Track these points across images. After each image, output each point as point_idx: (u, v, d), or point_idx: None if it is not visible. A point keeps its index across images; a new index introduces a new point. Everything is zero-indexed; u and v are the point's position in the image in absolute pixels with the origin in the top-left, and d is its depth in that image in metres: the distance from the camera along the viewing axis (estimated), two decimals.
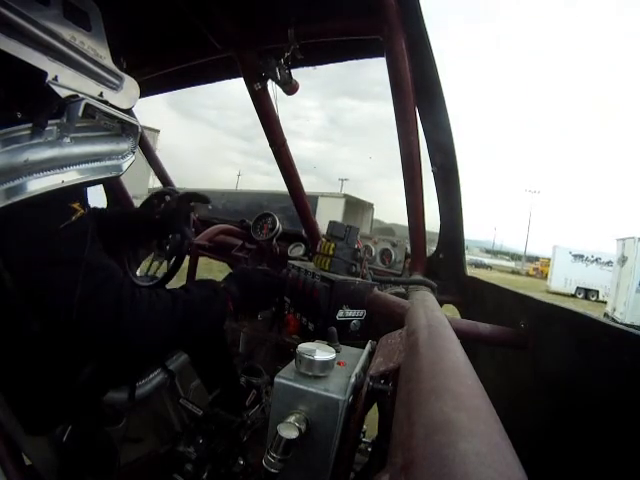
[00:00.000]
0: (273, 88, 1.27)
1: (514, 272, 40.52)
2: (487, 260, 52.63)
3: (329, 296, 0.91)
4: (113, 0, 0.79)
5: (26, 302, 0.65)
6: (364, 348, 0.65)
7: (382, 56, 1.04)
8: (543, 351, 0.74)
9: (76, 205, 0.66)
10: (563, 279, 18.57)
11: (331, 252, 1.02)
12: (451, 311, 1.28)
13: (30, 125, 0.61)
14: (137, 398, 0.96)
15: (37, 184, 0.61)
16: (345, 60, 1.26)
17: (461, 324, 0.83)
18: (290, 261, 1.15)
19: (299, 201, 1.53)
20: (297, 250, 1.65)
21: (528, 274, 36.49)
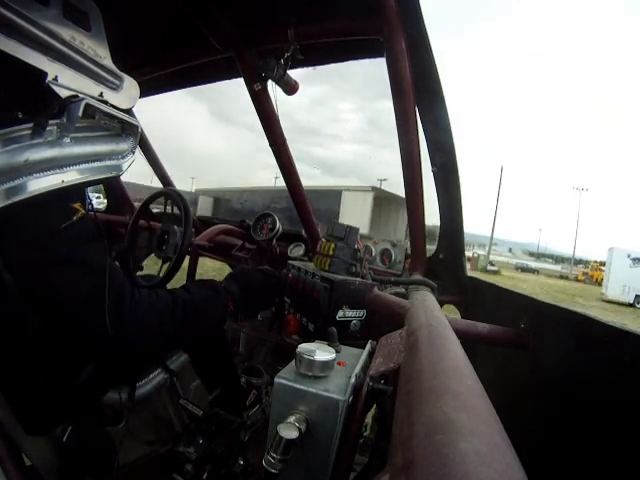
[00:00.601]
0: (273, 88, 1.27)
1: (562, 277, 35.73)
2: (533, 264, 48.15)
3: (329, 296, 0.91)
4: (113, 0, 0.79)
5: (26, 302, 0.65)
6: (364, 348, 0.65)
7: (382, 56, 1.04)
8: (543, 351, 0.74)
9: (77, 205, 0.66)
10: (620, 286, 16.17)
11: (331, 252, 1.02)
12: (451, 311, 1.28)
13: (30, 125, 0.61)
14: (137, 398, 0.96)
15: (37, 184, 0.61)
16: (345, 60, 1.26)
17: (461, 324, 0.83)
18: (290, 261, 1.15)
19: (299, 201, 1.53)
20: (297, 250, 1.65)
21: (577, 279, 32.63)
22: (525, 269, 39.35)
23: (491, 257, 30.46)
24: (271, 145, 1.40)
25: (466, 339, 0.74)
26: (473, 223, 9.99)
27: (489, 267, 25.84)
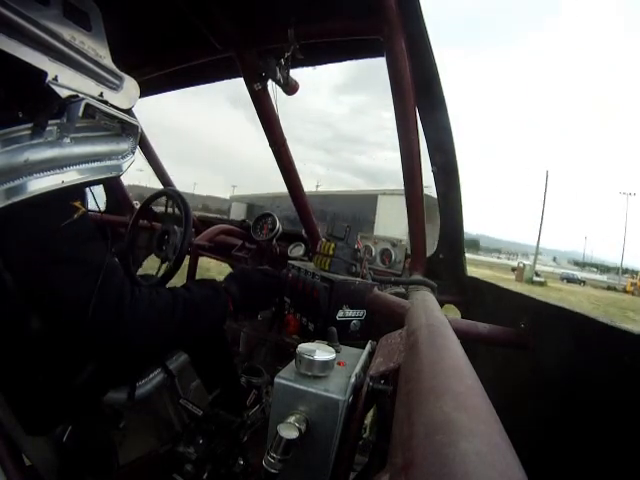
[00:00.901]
0: (273, 88, 1.27)
1: (609, 288, 33.12)
2: (579, 274, 44.74)
3: (329, 296, 0.91)
4: (113, 0, 0.79)
5: (26, 302, 0.65)
6: (364, 348, 0.65)
7: (382, 56, 1.04)
8: (543, 351, 0.74)
9: (77, 204, 0.66)
10: None
11: (331, 252, 1.02)
12: (451, 311, 1.28)
13: (30, 125, 0.61)
14: (137, 398, 0.96)
15: (37, 184, 0.61)
16: (345, 60, 1.26)
17: (461, 324, 0.83)
18: (290, 261, 1.15)
19: (299, 201, 1.53)
20: (297, 250, 1.65)
21: (625, 290, 30.14)
22: (571, 280, 36.05)
23: (536, 267, 28.38)
24: (271, 145, 1.40)
25: (466, 339, 0.74)
26: (515, 231, 9.52)
27: (535, 278, 24.07)
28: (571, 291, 21.72)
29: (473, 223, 24.09)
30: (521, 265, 26.63)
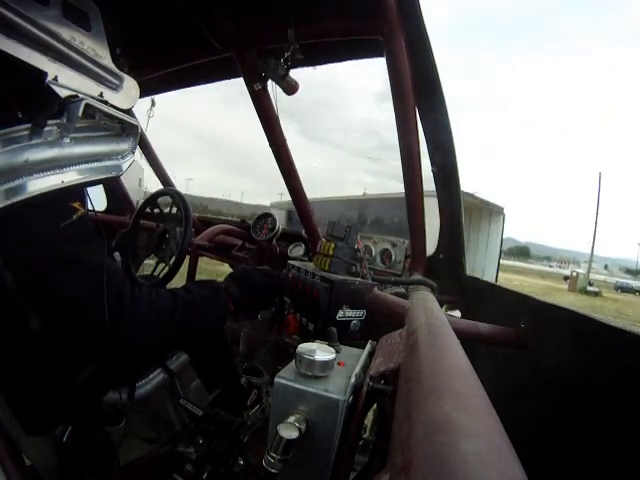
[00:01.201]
0: (273, 88, 1.27)
1: None
2: (633, 282, 40.38)
3: (329, 296, 0.92)
4: (113, 0, 0.79)
5: (26, 302, 0.65)
6: (364, 348, 0.65)
7: (382, 56, 1.04)
8: (543, 351, 0.74)
9: (76, 204, 0.66)
10: None
11: (331, 252, 1.02)
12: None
13: (30, 125, 0.61)
14: (137, 398, 0.96)
15: (37, 184, 0.61)
16: (345, 60, 1.26)
17: (461, 324, 0.83)
18: (290, 261, 1.15)
19: (299, 201, 1.53)
20: (297, 250, 1.65)
21: None
22: (626, 289, 32.85)
23: (589, 276, 26.22)
24: (271, 145, 1.39)
25: (466, 339, 0.74)
26: (564, 238, 9.13)
27: (589, 288, 22.50)
28: (628, 302, 20.50)
29: (522, 231, 23.33)
30: (574, 274, 24.69)
